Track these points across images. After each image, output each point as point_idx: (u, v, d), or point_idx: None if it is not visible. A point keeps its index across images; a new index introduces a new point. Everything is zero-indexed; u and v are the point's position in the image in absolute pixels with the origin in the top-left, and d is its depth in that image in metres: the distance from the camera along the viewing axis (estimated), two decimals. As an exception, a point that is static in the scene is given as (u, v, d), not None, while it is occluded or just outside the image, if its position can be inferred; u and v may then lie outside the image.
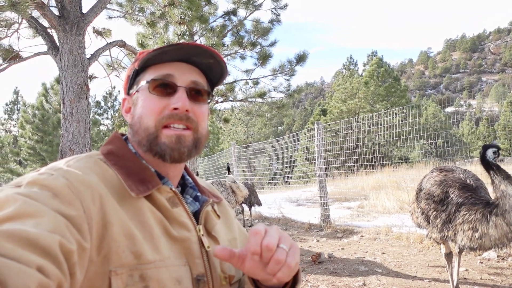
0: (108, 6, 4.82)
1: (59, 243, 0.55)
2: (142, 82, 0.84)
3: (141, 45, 7.05)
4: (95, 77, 5.68)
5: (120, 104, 36.77)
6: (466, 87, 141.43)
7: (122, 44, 4.88)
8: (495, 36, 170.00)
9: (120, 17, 5.86)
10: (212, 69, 0.87)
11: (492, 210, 2.52)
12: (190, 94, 0.82)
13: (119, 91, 36.36)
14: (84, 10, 4.31)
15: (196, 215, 0.84)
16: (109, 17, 5.77)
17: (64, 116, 4.21)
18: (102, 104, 35.74)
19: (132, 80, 0.88)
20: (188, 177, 0.94)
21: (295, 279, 0.78)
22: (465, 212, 2.67)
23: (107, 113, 36.24)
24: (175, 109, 0.79)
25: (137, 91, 0.85)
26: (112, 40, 5.03)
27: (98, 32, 5.34)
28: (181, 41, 6.40)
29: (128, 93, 0.89)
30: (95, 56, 4.55)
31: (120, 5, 5.44)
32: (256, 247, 0.63)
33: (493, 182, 2.60)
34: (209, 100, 0.89)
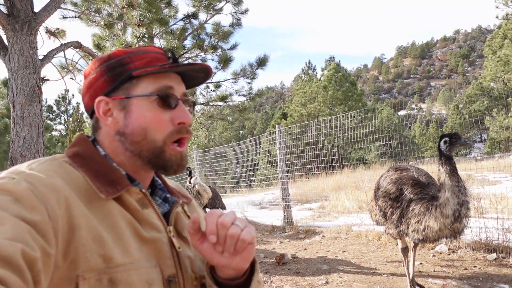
0: (62, 5, 4.61)
1: (22, 252, 0.53)
2: (139, 91, 0.79)
3: (98, 47, 6.80)
4: (48, 80, 5.40)
5: (74, 109, 35.11)
6: (417, 92, 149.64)
7: (77, 45, 4.68)
8: (441, 43, 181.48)
9: (75, 17, 5.62)
10: (193, 79, 0.88)
11: (433, 203, 2.62)
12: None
13: (73, 95, 34.81)
14: (36, 9, 4.10)
15: (166, 216, 0.82)
16: (64, 17, 5.52)
17: (14, 120, 3.96)
18: (55, 108, 33.93)
19: (118, 83, 0.80)
20: (157, 178, 0.92)
21: (252, 270, 0.79)
22: (414, 207, 2.78)
23: (60, 118, 34.46)
24: (181, 123, 0.80)
25: (128, 97, 0.79)
26: (67, 41, 4.82)
27: (51, 33, 5.09)
28: (140, 43, 6.25)
29: (107, 95, 0.81)
30: (48, 57, 4.33)
31: (75, 4, 5.22)
32: (212, 225, 0.67)
33: (438, 172, 2.67)
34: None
